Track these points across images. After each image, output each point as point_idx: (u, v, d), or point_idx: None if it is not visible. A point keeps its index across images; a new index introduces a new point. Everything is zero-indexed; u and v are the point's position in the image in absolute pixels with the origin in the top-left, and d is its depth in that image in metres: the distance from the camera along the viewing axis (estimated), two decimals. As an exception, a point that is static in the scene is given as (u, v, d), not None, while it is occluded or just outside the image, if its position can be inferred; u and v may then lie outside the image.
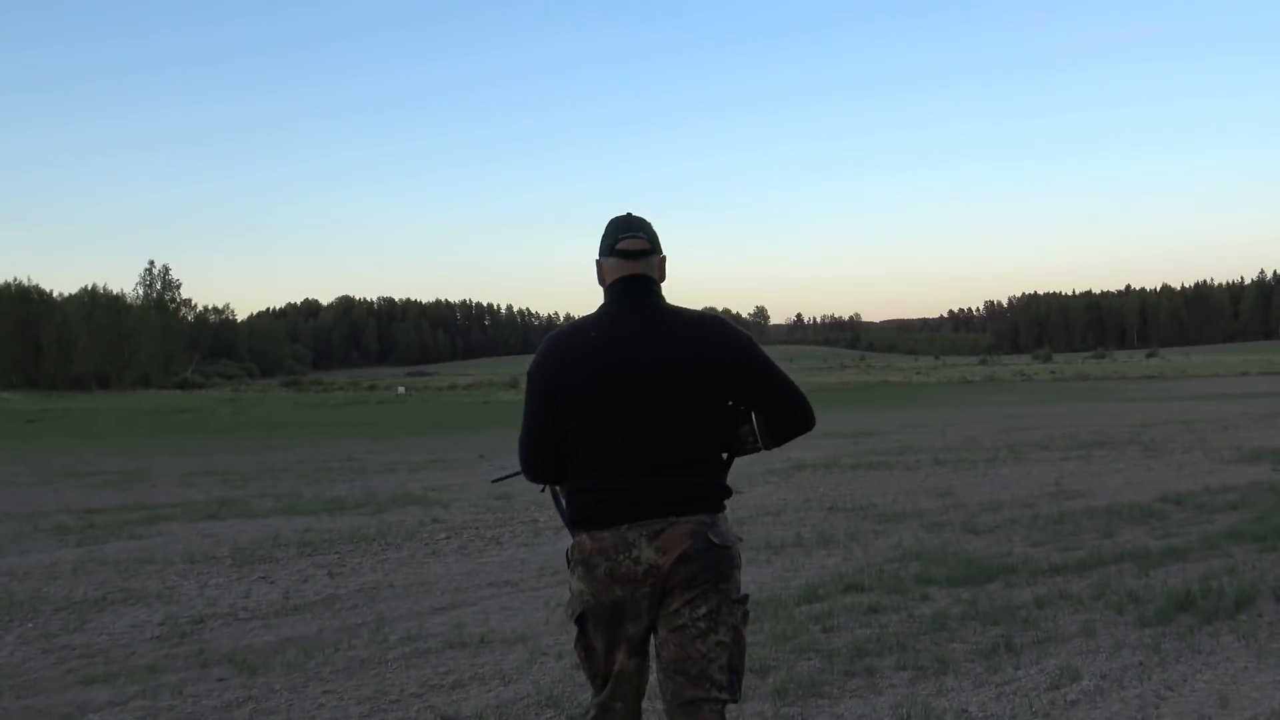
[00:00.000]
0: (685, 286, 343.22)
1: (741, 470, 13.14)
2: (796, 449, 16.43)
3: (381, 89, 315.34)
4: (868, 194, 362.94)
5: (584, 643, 2.47)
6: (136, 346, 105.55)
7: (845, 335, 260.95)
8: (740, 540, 2.52)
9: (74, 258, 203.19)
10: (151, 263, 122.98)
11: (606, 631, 2.43)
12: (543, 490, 2.67)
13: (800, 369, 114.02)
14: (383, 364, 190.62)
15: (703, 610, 2.37)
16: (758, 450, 2.56)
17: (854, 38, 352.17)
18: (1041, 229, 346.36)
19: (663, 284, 2.57)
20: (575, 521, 2.45)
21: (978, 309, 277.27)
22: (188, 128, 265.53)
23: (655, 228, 2.58)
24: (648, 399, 2.40)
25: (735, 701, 2.45)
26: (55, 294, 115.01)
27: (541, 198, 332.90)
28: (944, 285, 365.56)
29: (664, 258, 2.57)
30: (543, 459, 2.52)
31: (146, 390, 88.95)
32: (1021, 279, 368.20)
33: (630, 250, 2.50)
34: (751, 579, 6.44)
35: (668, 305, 2.53)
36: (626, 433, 2.40)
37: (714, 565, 2.38)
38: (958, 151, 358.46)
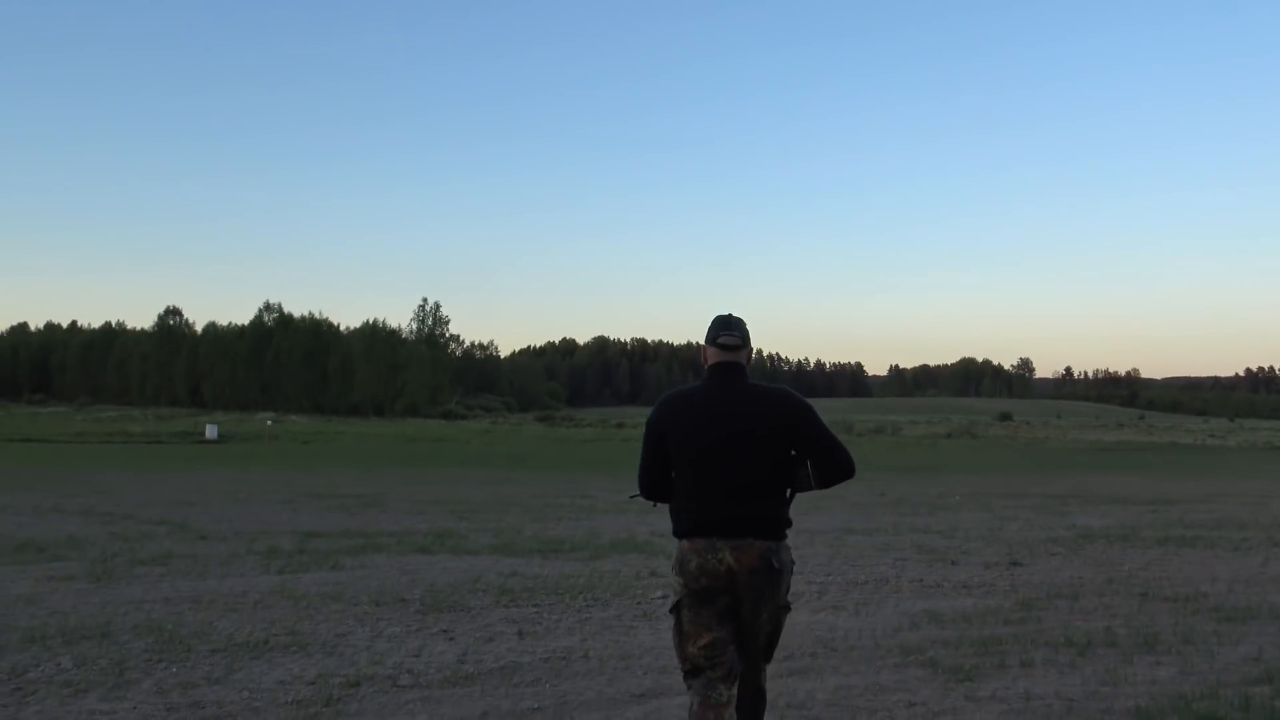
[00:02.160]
0: (943, 336, 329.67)
1: (1019, 538, 11.17)
2: (1085, 517, 14.14)
3: (648, 141, 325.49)
4: (1149, 238, 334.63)
5: (679, 629, 3.30)
6: (408, 378, 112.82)
7: (1121, 392, 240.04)
8: (793, 563, 3.40)
9: (358, 292, 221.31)
10: (425, 300, 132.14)
11: (696, 613, 3.25)
12: (654, 506, 3.53)
13: (1070, 425, 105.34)
14: (633, 403, 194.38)
15: (763, 614, 3.30)
16: (810, 489, 3.37)
17: (1133, 66, 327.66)
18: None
19: (749, 365, 3.45)
20: (680, 532, 3.31)
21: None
22: (467, 176, 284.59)
23: (751, 325, 3.48)
24: (732, 449, 3.28)
25: (767, 662, 3.44)
26: (341, 326, 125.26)
27: (792, 247, 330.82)
28: (1239, 340, 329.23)
29: (751, 350, 3.47)
30: (651, 483, 3.43)
31: (415, 419, 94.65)
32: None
33: (727, 344, 3.40)
34: (1053, 689, 4.78)
35: (750, 383, 3.38)
36: (715, 472, 3.28)
37: (772, 582, 3.27)
38: (1253, 190, 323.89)
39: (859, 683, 4.88)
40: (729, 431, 3.28)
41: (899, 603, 7.02)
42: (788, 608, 3.39)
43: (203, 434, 46.68)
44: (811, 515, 14.30)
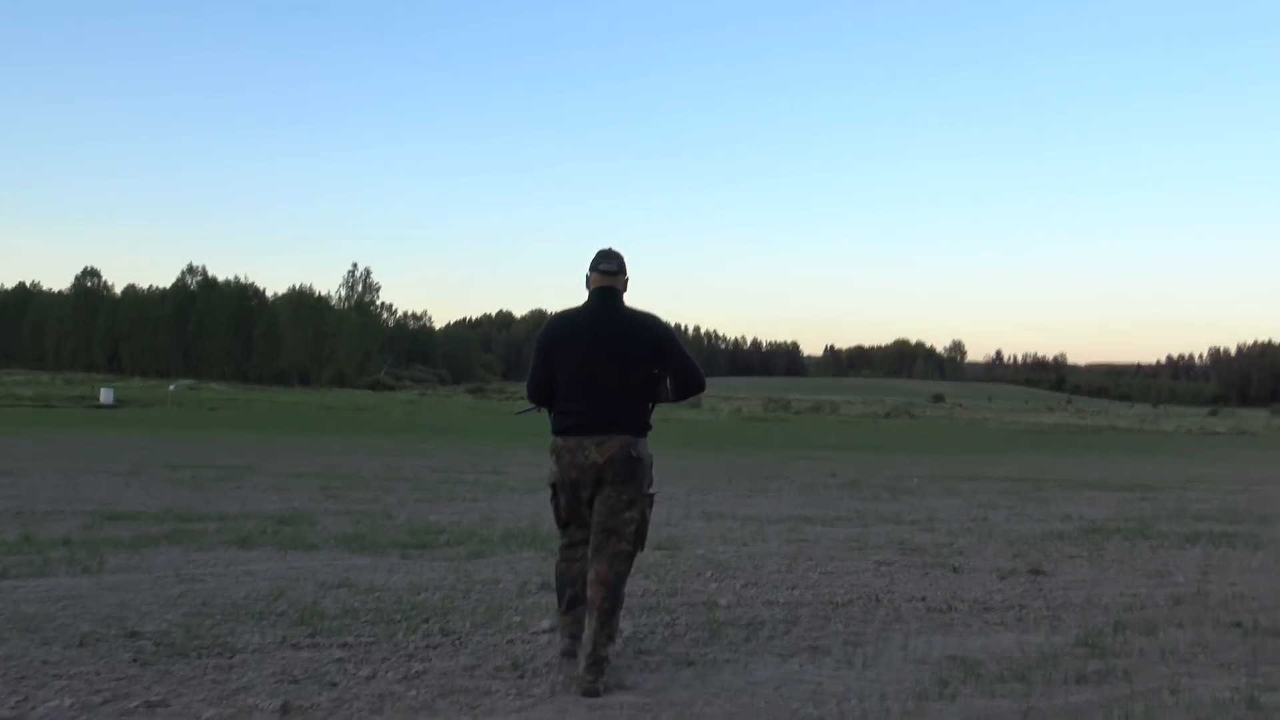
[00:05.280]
0: (878, 318, 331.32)
1: (1016, 533, 8.98)
2: (1074, 505, 12.08)
3: (587, 114, 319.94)
4: (1076, 230, 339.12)
5: (555, 501, 4.13)
6: (336, 346, 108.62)
7: (1049, 376, 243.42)
8: (652, 458, 4.03)
9: (285, 257, 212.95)
10: (354, 265, 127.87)
11: (567, 496, 4.04)
12: (538, 410, 4.25)
13: (1002, 408, 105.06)
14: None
15: (625, 497, 3.93)
16: (669, 401, 4.13)
17: (1060, 65, 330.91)
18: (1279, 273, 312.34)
19: (625, 292, 4.11)
20: (555, 430, 4.01)
21: (1200, 356, 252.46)
22: (403, 143, 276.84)
23: (626, 258, 4.14)
24: (604, 362, 3.94)
25: (640, 550, 4.06)
26: (268, 292, 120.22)
27: (729, 227, 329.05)
28: (1161, 329, 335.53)
29: (627, 278, 4.12)
30: (538, 391, 4.12)
31: (341, 389, 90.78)
32: (1252, 326, 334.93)
33: (607, 270, 4.07)
34: None
35: (624, 307, 4.07)
36: (589, 380, 3.95)
37: (631, 469, 3.93)
38: (1176, 185, 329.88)
39: (889, 839, 2.54)
40: (606, 350, 3.96)
41: (907, 640, 4.70)
42: (651, 499, 4.06)
43: (98, 399, 43.05)
44: (756, 498, 12.04)
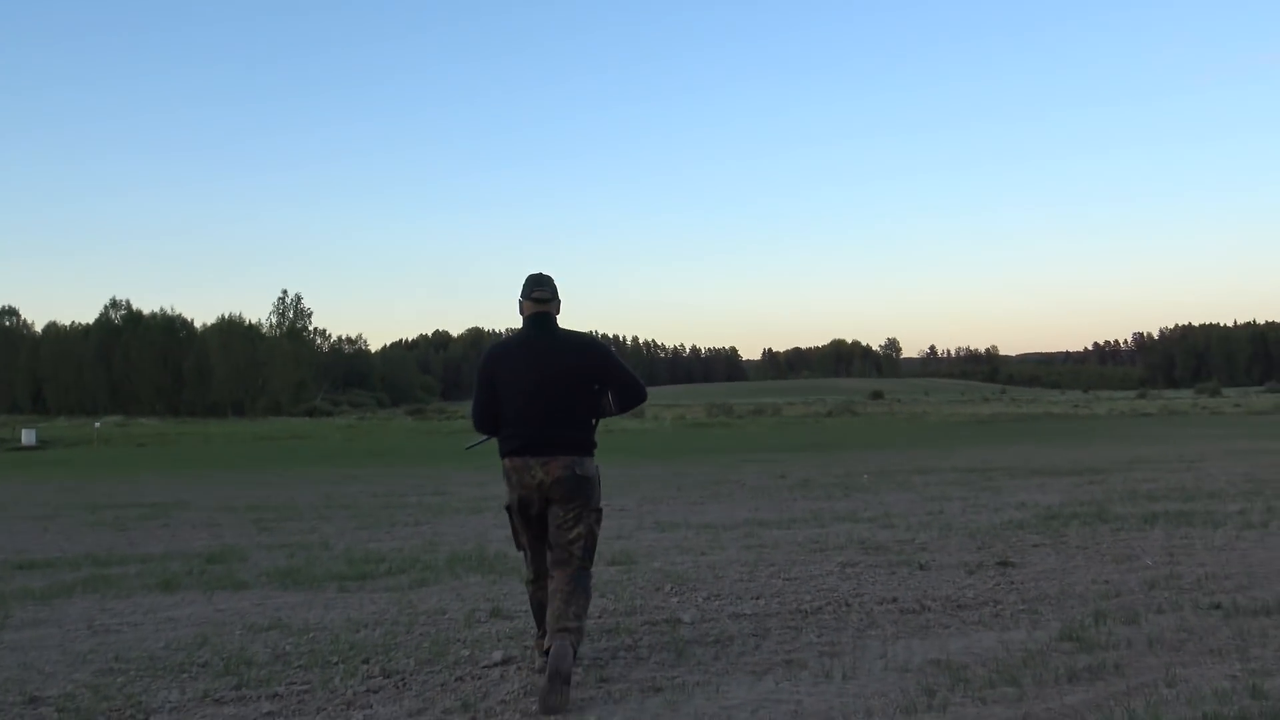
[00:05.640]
0: (814, 319, 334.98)
1: (975, 525, 8.81)
2: (1027, 493, 12.01)
3: (517, 125, 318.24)
4: (1004, 223, 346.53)
5: (512, 524, 4.21)
6: (269, 374, 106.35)
7: (982, 368, 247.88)
8: (598, 470, 4.15)
9: (213, 285, 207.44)
10: (284, 292, 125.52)
11: (520, 515, 4.12)
12: (488, 440, 4.31)
13: (940, 401, 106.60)
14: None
15: (571, 514, 4.02)
16: (611, 414, 4.21)
17: (995, 58, 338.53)
18: (1195, 257, 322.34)
19: (558, 315, 4.22)
20: (503, 453, 4.11)
21: (1125, 341, 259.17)
22: (329, 163, 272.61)
23: (558, 281, 4.24)
24: (545, 384, 4.04)
25: (588, 568, 4.04)
26: (196, 323, 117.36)
27: (665, 235, 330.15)
28: (1088, 317, 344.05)
29: (560, 300, 4.22)
30: (484, 420, 4.21)
31: (277, 418, 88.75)
32: (1173, 310, 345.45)
33: (541, 298, 4.17)
34: None
35: (560, 329, 4.17)
36: (532, 404, 4.04)
37: (577, 487, 4.02)
38: (1099, 173, 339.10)
39: None
40: (546, 373, 4.05)
41: (885, 647, 4.42)
42: (599, 514, 4.14)
43: (19, 440, 41.39)
44: (709, 505, 11.76)
